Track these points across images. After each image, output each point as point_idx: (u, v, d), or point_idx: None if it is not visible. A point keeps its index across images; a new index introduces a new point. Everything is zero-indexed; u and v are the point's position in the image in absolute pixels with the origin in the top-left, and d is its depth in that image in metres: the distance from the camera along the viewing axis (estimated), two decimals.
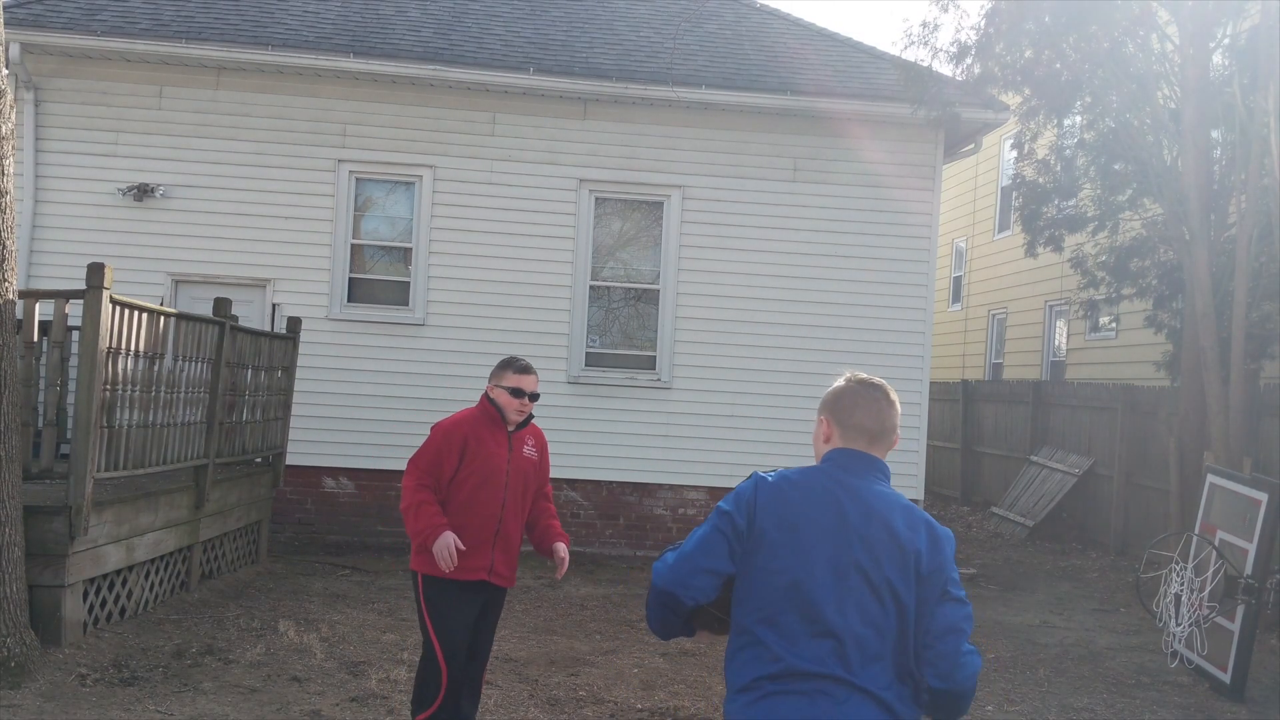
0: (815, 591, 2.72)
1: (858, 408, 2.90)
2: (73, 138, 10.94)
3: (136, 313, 6.87)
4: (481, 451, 4.71)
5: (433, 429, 4.81)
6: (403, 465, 11.87)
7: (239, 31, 10.98)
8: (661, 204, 11.55)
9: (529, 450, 4.88)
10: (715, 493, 11.46)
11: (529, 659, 6.98)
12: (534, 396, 4.84)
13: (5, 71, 6.16)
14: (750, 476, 2.89)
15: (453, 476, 4.69)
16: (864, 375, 2.99)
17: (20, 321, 6.51)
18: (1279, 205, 9.58)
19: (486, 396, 4.87)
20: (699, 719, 6.04)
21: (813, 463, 2.95)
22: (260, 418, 9.32)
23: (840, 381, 2.99)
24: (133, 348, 6.84)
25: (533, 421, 4.97)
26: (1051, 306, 17.61)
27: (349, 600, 8.42)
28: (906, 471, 11.52)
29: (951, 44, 12.33)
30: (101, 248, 10.39)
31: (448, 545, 4.52)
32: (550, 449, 5.14)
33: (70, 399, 6.84)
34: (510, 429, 4.82)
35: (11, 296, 6.10)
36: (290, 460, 10.41)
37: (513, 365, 4.84)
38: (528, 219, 11.36)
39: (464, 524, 4.64)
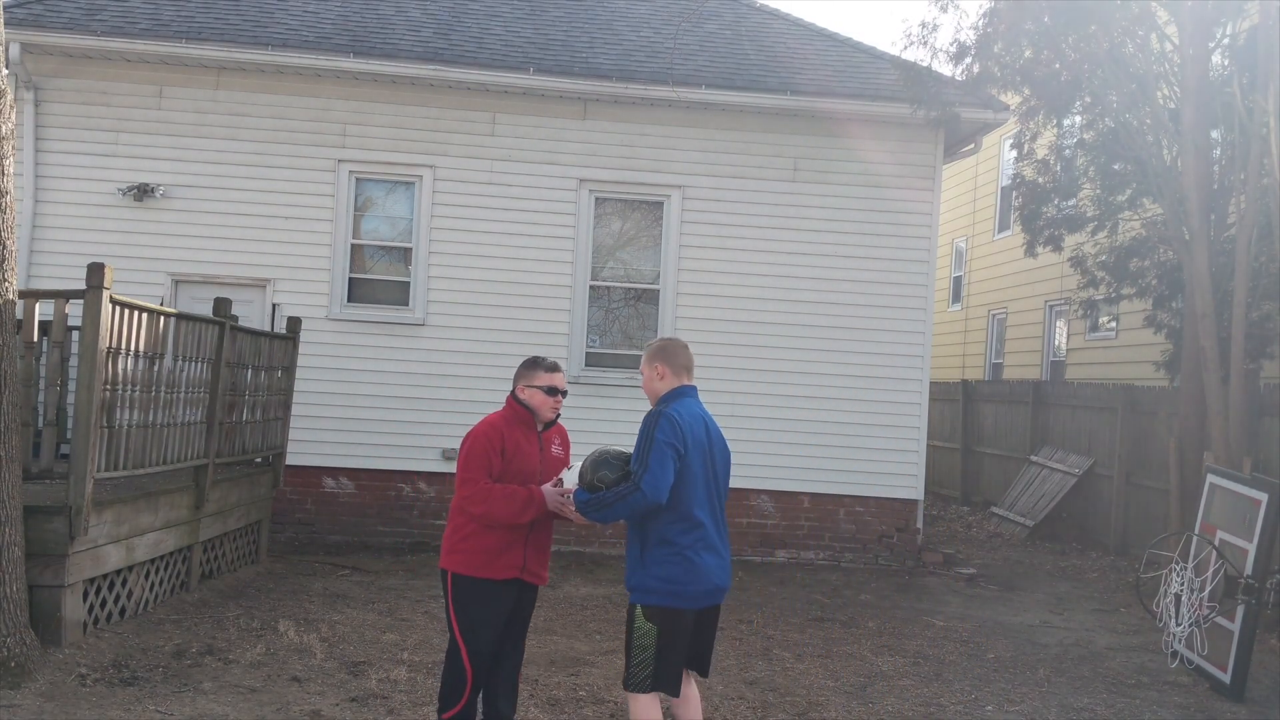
0: (711, 487, 4.49)
1: (679, 354, 4.62)
2: (73, 138, 10.94)
3: (136, 313, 6.87)
4: (518, 454, 4.74)
5: (469, 438, 4.73)
6: (403, 465, 11.96)
7: (239, 31, 10.98)
8: (661, 204, 11.55)
9: (556, 449, 4.94)
10: None
11: (529, 659, 6.97)
12: (565, 393, 4.89)
13: (5, 71, 6.16)
14: (663, 415, 4.35)
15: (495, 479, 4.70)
16: (666, 337, 4.93)
17: (20, 321, 6.51)
18: (1279, 205, 9.58)
19: (515, 398, 4.84)
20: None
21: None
22: (260, 418, 9.32)
23: (658, 341, 4.69)
24: (133, 348, 6.84)
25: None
26: (1051, 306, 17.61)
27: (349, 600, 8.42)
28: (906, 472, 11.53)
29: (951, 44, 12.36)
30: (101, 248, 10.40)
31: (553, 493, 4.61)
32: None
33: (70, 399, 6.84)
34: (540, 429, 4.86)
35: (11, 296, 6.09)
36: (290, 460, 10.41)
37: (543, 364, 4.85)
38: (528, 219, 11.36)
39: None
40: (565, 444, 5.02)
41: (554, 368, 4.86)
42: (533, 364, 4.87)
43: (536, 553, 4.80)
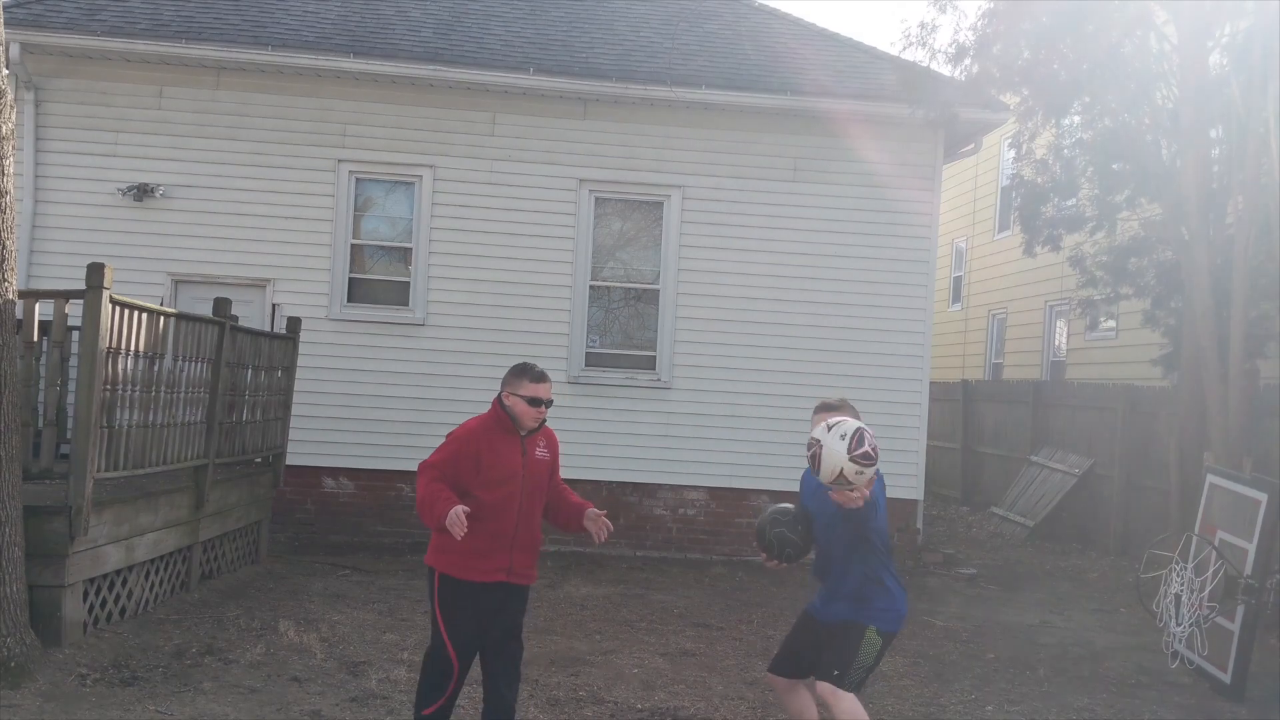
0: None
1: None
2: (73, 138, 10.94)
3: (136, 313, 6.87)
4: (498, 460, 4.73)
5: (448, 436, 4.80)
6: (403, 465, 11.96)
7: (239, 31, 10.98)
8: (661, 204, 11.55)
9: (541, 452, 4.89)
10: (715, 493, 11.46)
11: (529, 659, 6.95)
12: (549, 404, 4.84)
13: (5, 71, 6.16)
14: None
15: (470, 483, 4.68)
16: (832, 400, 5.30)
17: (20, 321, 6.51)
18: (1278, 204, 9.58)
19: (500, 403, 4.83)
20: (699, 719, 6.04)
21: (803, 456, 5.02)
22: (260, 418, 9.32)
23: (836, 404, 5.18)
24: (133, 348, 6.84)
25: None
26: (1051, 306, 17.61)
27: (349, 600, 8.43)
28: (906, 472, 11.52)
29: (950, 45, 12.34)
30: (101, 248, 10.38)
31: (455, 515, 4.45)
32: None
33: (70, 399, 6.84)
34: (524, 434, 4.83)
35: (11, 296, 6.10)
36: (290, 460, 10.40)
37: (528, 374, 4.81)
38: (528, 219, 11.36)
39: (482, 529, 4.64)
40: (551, 446, 4.98)
41: (540, 378, 4.81)
42: (520, 371, 4.83)
43: (524, 554, 4.81)
